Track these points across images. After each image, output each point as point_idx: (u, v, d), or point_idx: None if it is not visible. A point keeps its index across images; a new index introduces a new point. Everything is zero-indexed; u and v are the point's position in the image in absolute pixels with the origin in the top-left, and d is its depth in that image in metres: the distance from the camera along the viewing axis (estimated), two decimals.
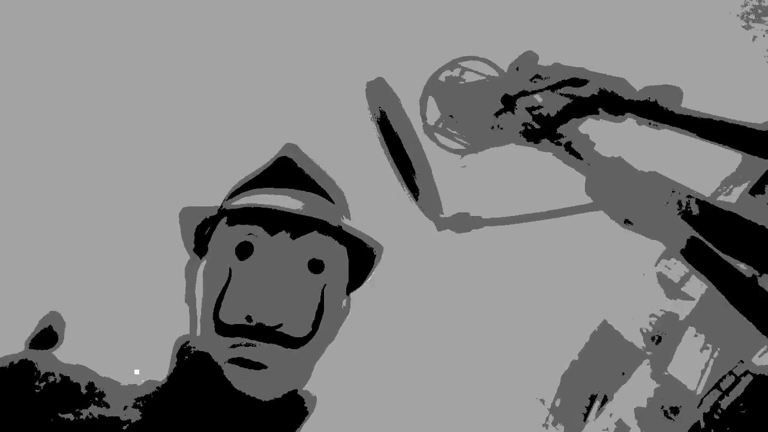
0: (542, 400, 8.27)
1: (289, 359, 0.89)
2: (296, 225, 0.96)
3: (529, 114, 0.96)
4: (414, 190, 1.15)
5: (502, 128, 1.03)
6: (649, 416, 7.00)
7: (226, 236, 0.99)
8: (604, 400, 7.57)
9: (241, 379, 0.87)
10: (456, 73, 1.11)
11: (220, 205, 1.14)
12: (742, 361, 5.99)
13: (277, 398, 0.91)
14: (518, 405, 8.12)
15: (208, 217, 1.09)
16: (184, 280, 1.09)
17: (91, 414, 0.83)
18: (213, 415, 0.91)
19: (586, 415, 7.79)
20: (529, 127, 0.96)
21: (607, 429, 7.46)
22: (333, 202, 1.10)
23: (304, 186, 1.10)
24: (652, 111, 0.83)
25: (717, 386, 6.19)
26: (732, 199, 5.90)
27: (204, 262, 1.03)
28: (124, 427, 0.84)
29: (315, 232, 0.97)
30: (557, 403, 8.12)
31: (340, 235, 1.00)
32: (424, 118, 1.15)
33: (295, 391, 0.96)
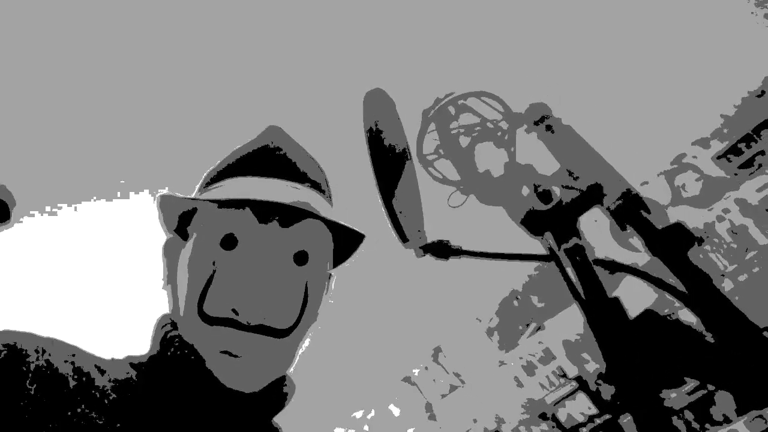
0: (479, 320, 8.72)
1: (275, 348, 0.90)
2: (288, 214, 0.93)
3: (534, 195, 0.88)
4: (395, 220, 1.08)
5: (499, 192, 0.95)
6: (575, 349, 7.53)
7: (211, 224, 0.96)
8: (537, 328, 8.05)
9: (228, 372, 0.87)
10: (461, 105, 1.00)
11: (200, 192, 1.10)
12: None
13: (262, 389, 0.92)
14: (456, 323, 8.55)
15: (190, 209, 1.04)
16: (163, 261, 1.07)
17: (77, 418, 0.80)
18: (199, 410, 0.91)
19: (517, 339, 8.30)
20: (531, 216, 0.88)
21: (534, 354, 8.02)
22: (320, 190, 1.08)
23: (292, 174, 1.06)
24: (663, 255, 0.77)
25: None
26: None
27: (186, 248, 0.99)
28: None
29: (306, 220, 0.95)
30: (492, 325, 8.59)
31: (329, 223, 0.98)
32: (420, 147, 1.06)
33: (281, 378, 0.98)
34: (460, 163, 1.00)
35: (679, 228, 0.75)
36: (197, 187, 1.10)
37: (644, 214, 0.79)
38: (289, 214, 0.93)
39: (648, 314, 0.77)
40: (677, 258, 0.72)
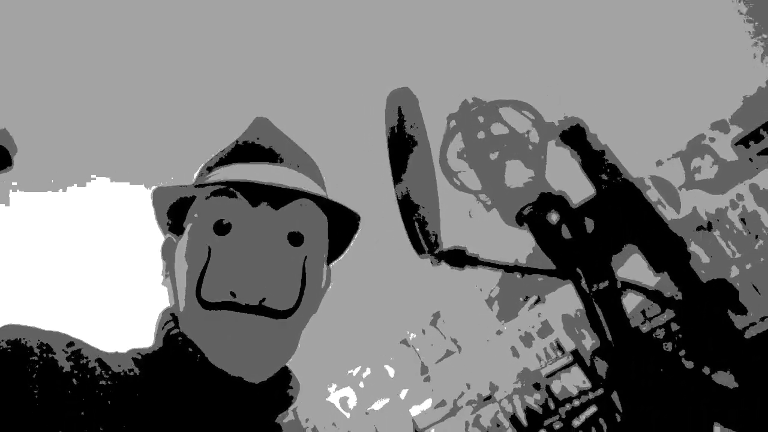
0: (480, 289, 8.77)
1: (277, 330, 0.91)
2: (278, 195, 0.93)
3: (561, 225, 0.82)
4: (410, 228, 1.03)
5: (524, 217, 0.90)
6: (573, 324, 7.58)
7: (204, 213, 0.96)
8: (537, 301, 8.10)
9: (231, 358, 0.88)
10: (491, 114, 0.94)
11: (194, 182, 1.13)
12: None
13: (266, 382, 0.93)
14: (457, 291, 8.60)
15: (183, 197, 1.04)
16: (161, 261, 1.11)
17: (81, 419, 0.79)
18: (203, 408, 0.91)
19: (517, 310, 8.37)
20: (559, 247, 0.82)
21: (533, 326, 8.10)
22: (311, 176, 1.07)
23: (280, 158, 1.05)
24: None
25: (642, 312, 6.65)
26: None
27: (181, 241, 1.00)
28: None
29: (297, 200, 0.94)
30: (493, 294, 8.64)
31: (321, 203, 0.98)
32: (444, 154, 1.00)
33: (285, 372, 0.99)
34: (486, 176, 0.95)
35: (723, 285, 0.69)
36: (192, 183, 1.11)
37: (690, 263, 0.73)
38: (279, 196, 0.93)
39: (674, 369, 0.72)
40: (717, 315, 0.66)
